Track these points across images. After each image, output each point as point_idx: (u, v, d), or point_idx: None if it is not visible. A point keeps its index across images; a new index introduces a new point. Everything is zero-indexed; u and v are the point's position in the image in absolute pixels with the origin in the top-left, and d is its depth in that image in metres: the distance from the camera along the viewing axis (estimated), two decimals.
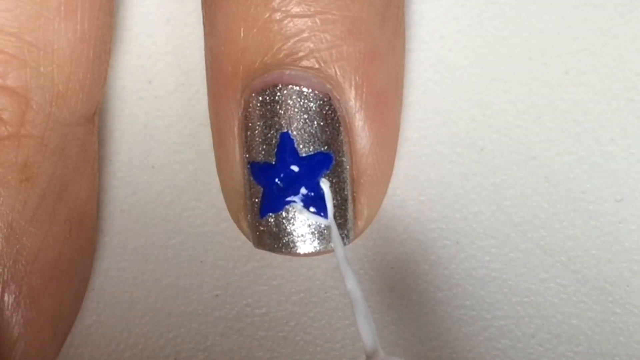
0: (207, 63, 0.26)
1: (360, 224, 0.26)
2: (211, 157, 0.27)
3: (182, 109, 0.28)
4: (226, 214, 0.27)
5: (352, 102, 0.25)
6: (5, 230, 0.24)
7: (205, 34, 0.26)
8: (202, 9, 0.26)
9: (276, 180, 0.24)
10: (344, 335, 0.27)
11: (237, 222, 0.26)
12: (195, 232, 0.27)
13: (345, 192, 0.25)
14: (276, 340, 0.26)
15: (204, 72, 0.28)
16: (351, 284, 0.24)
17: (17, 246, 0.24)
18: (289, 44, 0.24)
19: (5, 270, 0.24)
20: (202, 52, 0.28)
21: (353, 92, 0.25)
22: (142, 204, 0.27)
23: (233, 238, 0.27)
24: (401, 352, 0.26)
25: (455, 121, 0.28)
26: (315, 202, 0.25)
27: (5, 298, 0.24)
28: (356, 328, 0.26)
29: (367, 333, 0.23)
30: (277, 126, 0.25)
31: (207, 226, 0.27)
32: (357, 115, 0.25)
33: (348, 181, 0.25)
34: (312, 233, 0.25)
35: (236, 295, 0.27)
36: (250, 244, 0.27)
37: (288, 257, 0.27)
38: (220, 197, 0.27)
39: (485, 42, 0.28)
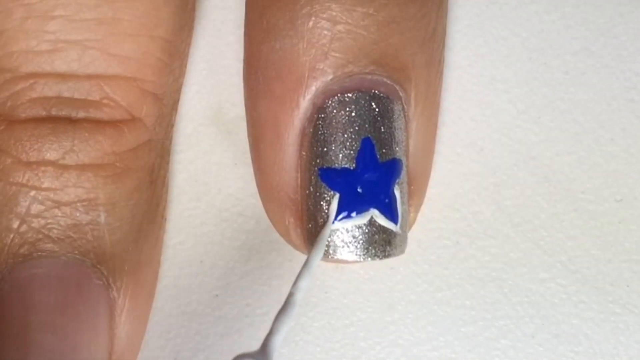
0: (268, 63, 0.25)
1: (408, 230, 0.26)
2: (211, 157, 0.27)
3: (182, 109, 0.28)
4: (226, 214, 0.27)
5: (415, 110, 0.25)
6: (136, 233, 0.24)
7: (267, 32, 0.25)
8: (264, 7, 0.25)
9: (357, 186, 0.24)
10: (343, 335, 0.27)
11: (284, 229, 0.25)
12: (195, 232, 0.27)
13: (406, 200, 0.25)
14: None
15: (204, 72, 0.27)
16: (304, 285, 0.23)
17: (142, 248, 0.25)
18: (377, 48, 0.24)
19: (129, 272, 0.24)
20: (202, 52, 0.28)
21: (420, 101, 0.25)
22: None
23: (233, 238, 0.27)
24: (401, 352, 0.26)
25: (455, 121, 0.28)
26: (389, 209, 0.24)
27: (127, 302, 0.24)
28: (356, 328, 0.26)
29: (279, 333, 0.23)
30: (359, 131, 0.24)
31: (207, 226, 0.27)
32: (416, 124, 0.25)
33: (407, 188, 0.25)
34: (384, 240, 0.24)
35: (236, 295, 0.27)
36: (250, 244, 0.27)
37: (288, 257, 0.27)
38: (220, 197, 0.27)
39: (485, 42, 0.28)
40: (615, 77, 0.28)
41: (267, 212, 0.26)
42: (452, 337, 0.27)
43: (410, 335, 0.27)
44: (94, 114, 0.24)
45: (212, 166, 0.27)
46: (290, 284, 0.27)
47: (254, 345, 0.26)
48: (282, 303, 0.27)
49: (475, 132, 0.28)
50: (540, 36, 0.28)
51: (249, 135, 0.26)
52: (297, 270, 0.27)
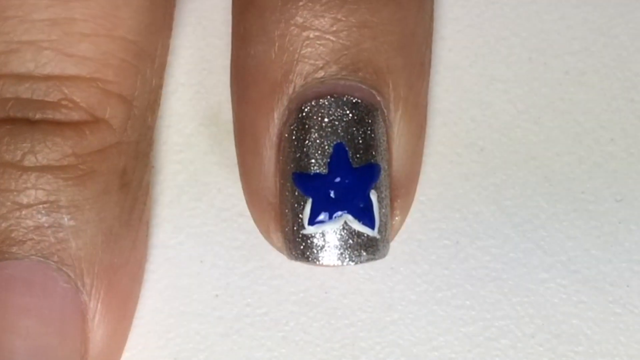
0: (245, 69, 0.25)
1: (394, 235, 0.26)
2: (211, 157, 0.27)
3: (182, 109, 0.28)
4: (226, 214, 0.27)
5: (396, 114, 0.25)
6: (105, 236, 0.24)
7: (244, 38, 0.25)
8: (240, 13, 0.25)
9: (329, 191, 0.24)
10: (343, 335, 0.27)
11: (265, 233, 0.26)
12: (195, 232, 0.27)
13: (387, 203, 0.25)
14: (276, 340, 0.26)
15: (204, 72, 0.27)
16: None
17: (114, 251, 0.24)
18: (348, 54, 0.24)
19: (100, 275, 0.24)
20: (202, 52, 0.28)
21: (400, 104, 0.25)
22: None
23: (233, 238, 0.27)
24: (401, 352, 0.26)
25: (455, 121, 0.28)
26: (365, 214, 0.24)
27: (99, 305, 0.24)
28: (356, 328, 0.27)
29: None
30: (331, 137, 0.24)
31: (207, 226, 0.27)
32: (398, 128, 0.25)
33: (389, 192, 0.25)
34: (360, 245, 0.24)
35: (236, 295, 0.27)
36: (250, 244, 0.27)
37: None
38: (220, 197, 0.27)
39: (485, 42, 0.28)
40: (615, 77, 0.28)
41: (251, 215, 0.26)
42: (452, 337, 0.27)
43: (410, 335, 0.27)
44: (52, 115, 0.24)
45: (212, 166, 0.27)
46: (290, 284, 0.27)
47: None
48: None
49: (475, 132, 0.28)
50: (540, 36, 0.28)
51: (234, 140, 0.26)
52: (297, 271, 0.27)
